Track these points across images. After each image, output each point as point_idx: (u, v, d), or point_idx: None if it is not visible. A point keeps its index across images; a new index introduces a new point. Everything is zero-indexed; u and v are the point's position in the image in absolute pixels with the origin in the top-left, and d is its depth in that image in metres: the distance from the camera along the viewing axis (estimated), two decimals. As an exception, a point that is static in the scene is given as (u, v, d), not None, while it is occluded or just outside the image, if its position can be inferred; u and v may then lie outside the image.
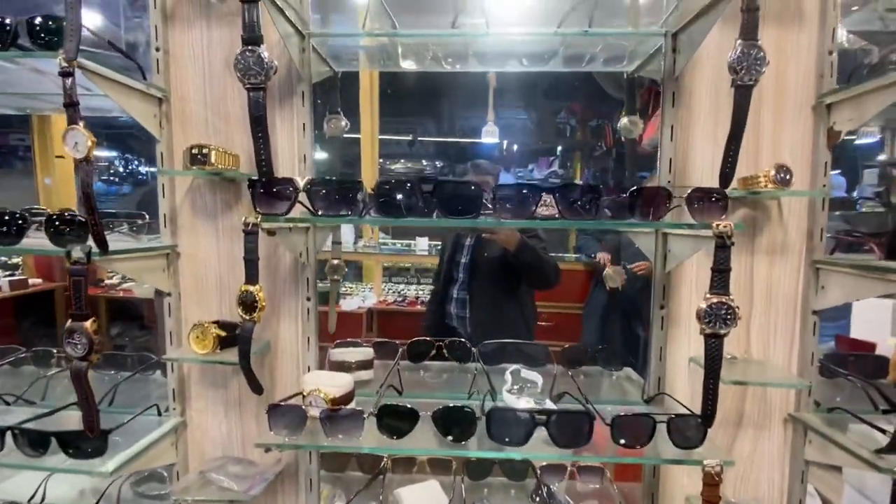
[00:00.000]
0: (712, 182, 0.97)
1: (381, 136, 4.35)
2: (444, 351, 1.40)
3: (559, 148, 6.10)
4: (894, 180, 2.32)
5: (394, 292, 4.09)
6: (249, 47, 0.87)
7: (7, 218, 0.98)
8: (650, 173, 1.66)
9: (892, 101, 0.95)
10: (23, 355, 1.47)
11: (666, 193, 0.90)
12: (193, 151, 1.07)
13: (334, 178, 0.95)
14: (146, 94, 1.11)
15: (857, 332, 1.91)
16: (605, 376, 1.38)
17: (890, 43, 1.95)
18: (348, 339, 1.39)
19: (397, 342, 1.45)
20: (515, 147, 6.00)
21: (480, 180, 1.93)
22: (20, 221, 0.98)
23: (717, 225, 0.86)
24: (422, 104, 5.60)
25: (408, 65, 1.33)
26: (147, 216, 1.36)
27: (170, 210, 1.19)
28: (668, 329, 1.17)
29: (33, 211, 1.06)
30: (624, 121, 1.38)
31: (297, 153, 1.18)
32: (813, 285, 1.13)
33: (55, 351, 1.50)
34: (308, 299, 1.21)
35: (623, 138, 1.41)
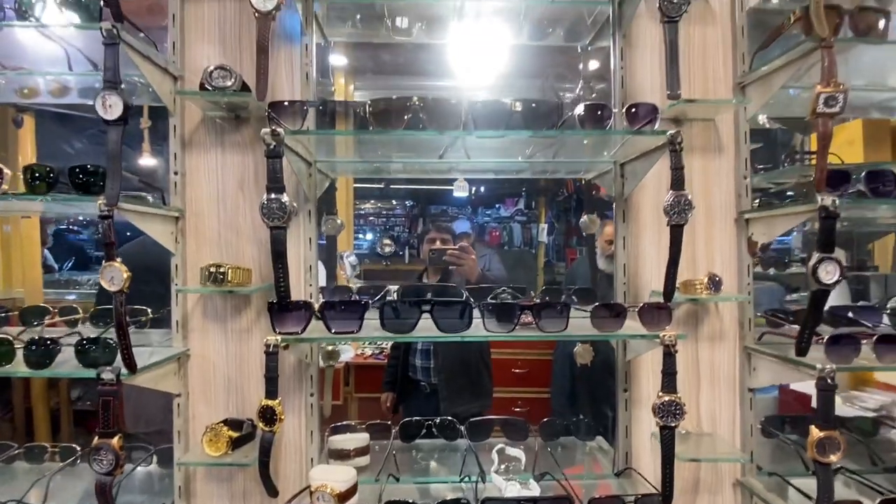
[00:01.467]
0: (660, 282, 1.18)
1: (355, 185, 4.53)
2: (434, 430, 1.52)
3: (523, 190, 6.44)
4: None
5: (370, 344, 4.15)
6: (273, 195, 1.03)
7: (38, 341, 1.06)
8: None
9: (794, 225, 1.21)
10: (16, 452, 1.49)
11: (622, 310, 1.09)
12: (211, 270, 1.19)
13: (345, 300, 1.10)
14: (165, 217, 1.24)
15: (797, 384, 2.15)
16: (580, 447, 1.53)
17: (800, 126, 2.31)
18: (344, 423, 1.49)
19: (389, 423, 1.56)
20: (483, 189, 6.31)
21: (440, 237, 2.06)
22: (50, 345, 1.07)
23: (664, 335, 1.06)
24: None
25: (398, 175, 1.51)
26: (150, 311, 1.46)
27: (182, 316, 1.29)
28: (631, 410, 1.35)
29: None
30: (584, 218, 1.61)
31: (303, 264, 1.32)
32: (747, 367, 1.34)
33: (48, 446, 1.53)
34: (311, 395, 1.32)
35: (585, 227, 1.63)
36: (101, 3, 1.07)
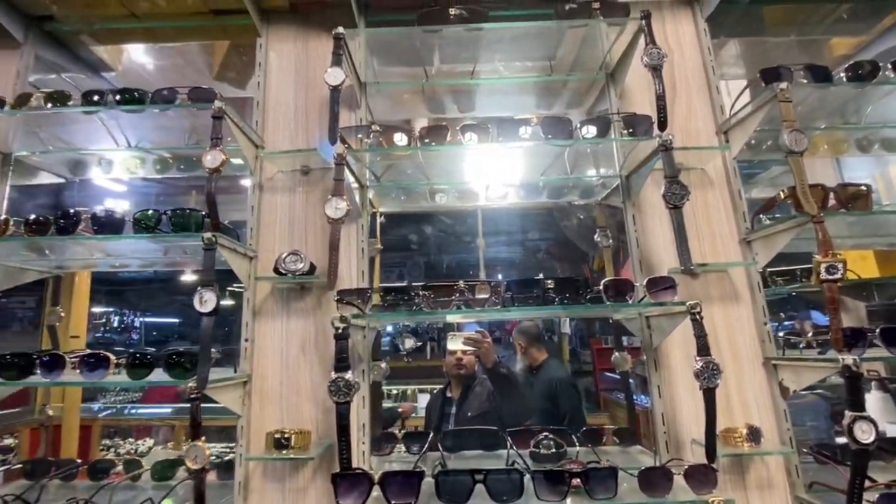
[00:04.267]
0: (699, 429, 1.23)
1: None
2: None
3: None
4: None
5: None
6: (340, 374, 1.16)
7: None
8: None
9: (821, 377, 1.27)
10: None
11: (669, 476, 1.14)
12: (276, 436, 1.30)
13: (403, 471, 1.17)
14: (237, 383, 1.38)
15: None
16: None
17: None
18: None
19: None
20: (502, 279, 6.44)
21: (461, 349, 2.08)
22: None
23: (712, 502, 1.09)
24: (416, 246, 5.97)
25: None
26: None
27: (244, 478, 1.37)
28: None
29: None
30: (616, 355, 1.70)
31: (356, 421, 1.41)
32: (802, 518, 1.32)
33: None
34: (364, 558, 1.33)
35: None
36: (203, 214, 1.31)
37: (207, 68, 2.11)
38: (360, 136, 1.47)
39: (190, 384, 1.16)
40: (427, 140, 1.36)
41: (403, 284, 1.23)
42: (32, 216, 1.33)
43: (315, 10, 1.71)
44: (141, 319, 10.84)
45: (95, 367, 1.22)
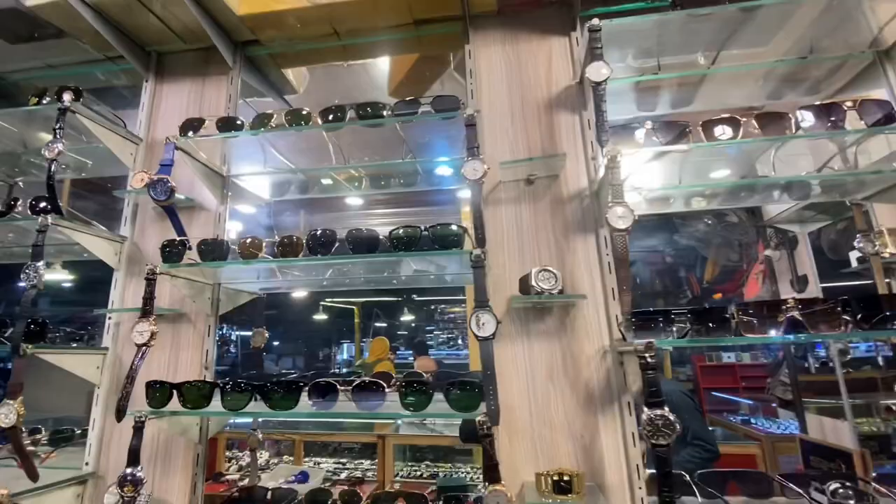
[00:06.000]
0: None
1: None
2: None
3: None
4: None
5: None
6: (657, 411, 0.99)
7: None
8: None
9: None
10: None
11: None
12: (555, 478, 1.14)
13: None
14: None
15: None
16: None
17: None
18: None
19: None
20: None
21: None
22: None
23: None
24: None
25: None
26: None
27: (502, 521, 1.23)
28: None
29: None
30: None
31: (623, 458, 1.23)
32: None
33: None
34: None
35: None
36: (460, 228, 1.21)
37: (384, 85, 2.09)
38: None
39: (481, 419, 1.04)
40: (709, 134, 1.18)
41: (717, 306, 1.04)
42: (279, 238, 1.30)
43: (524, 12, 1.61)
44: (237, 333, 11.53)
45: (371, 394, 1.13)
